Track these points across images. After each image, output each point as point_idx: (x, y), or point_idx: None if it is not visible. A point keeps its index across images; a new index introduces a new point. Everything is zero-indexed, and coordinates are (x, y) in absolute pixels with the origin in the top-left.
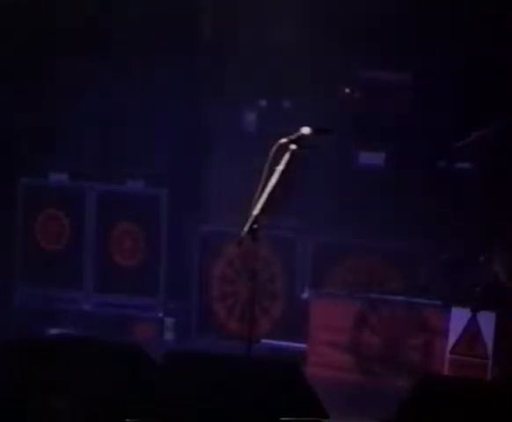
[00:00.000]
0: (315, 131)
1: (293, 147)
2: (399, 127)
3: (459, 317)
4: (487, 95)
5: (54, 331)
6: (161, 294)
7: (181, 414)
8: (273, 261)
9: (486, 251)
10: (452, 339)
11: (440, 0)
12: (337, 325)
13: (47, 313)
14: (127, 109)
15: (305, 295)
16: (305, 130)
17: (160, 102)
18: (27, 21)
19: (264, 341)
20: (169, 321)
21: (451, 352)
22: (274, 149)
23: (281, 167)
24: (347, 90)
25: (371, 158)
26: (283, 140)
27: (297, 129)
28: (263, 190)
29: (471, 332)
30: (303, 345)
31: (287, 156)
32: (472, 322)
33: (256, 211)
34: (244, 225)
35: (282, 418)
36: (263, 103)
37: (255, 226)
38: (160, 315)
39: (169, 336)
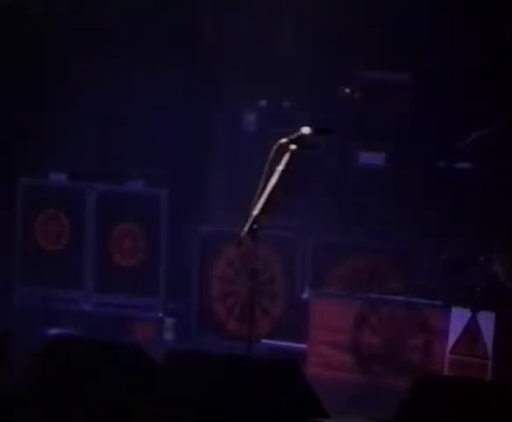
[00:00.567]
0: (315, 131)
1: (293, 147)
2: (399, 127)
3: (459, 317)
4: (487, 95)
5: (54, 330)
6: (161, 294)
7: (181, 414)
8: (273, 261)
9: (486, 250)
10: (452, 339)
11: (440, 0)
12: (337, 325)
13: (47, 313)
14: (127, 109)
15: (305, 295)
16: (305, 130)
17: (160, 102)
18: (27, 21)
19: (264, 341)
20: (169, 321)
21: (451, 352)
22: (274, 149)
23: (281, 167)
24: (347, 90)
25: (371, 158)
26: (283, 140)
27: (297, 129)
28: (263, 190)
29: (471, 332)
30: (303, 345)
31: (287, 156)
32: (472, 322)
33: (256, 211)
34: (244, 225)
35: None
36: (263, 103)
37: (255, 226)
38: (160, 315)
39: (169, 336)
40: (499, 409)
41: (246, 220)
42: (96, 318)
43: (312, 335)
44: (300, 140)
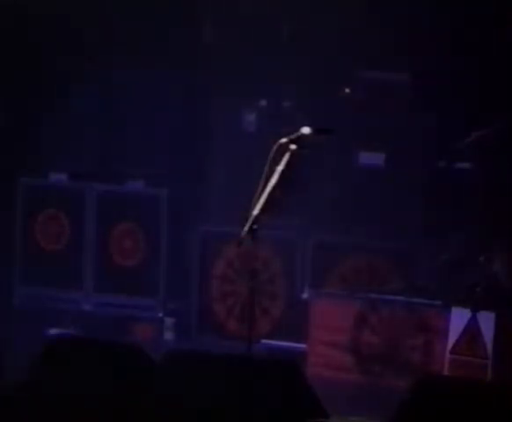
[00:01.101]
0: (315, 131)
1: (293, 147)
2: (399, 127)
3: (459, 317)
4: (487, 95)
5: (54, 330)
6: (161, 294)
7: (181, 414)
8: (273, 261)
9: (486, 250)
10: (452, 339)
11: (440, 0)
12: (337, 325)
13: (47, 313)
14: (127, 109)
15: (305, 295)
16: (305, 130)
17: (160, 102)
18: (27, 21)
19: (264, 341)
20: (169, 321)
21: (451, 352)
22: (274, 149)
23: (281, 167)
24: (347, 90)
25: (371, 158)
26: (283, 140)
27: (297, 129)
28: (263, 190)
29: (471, 332)
30: (303, 345)
31: (287, 156)
32: (472, 322)
33: (256, 211)
34: (244, 225)
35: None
36: (263, 103)
37: (255, 226)
38: (160, 315)
39: (169, 336)
40: (499, 409)
41: (246, 220)
42: (96, 318)
43: (312, 335)
44: (300, 140)
